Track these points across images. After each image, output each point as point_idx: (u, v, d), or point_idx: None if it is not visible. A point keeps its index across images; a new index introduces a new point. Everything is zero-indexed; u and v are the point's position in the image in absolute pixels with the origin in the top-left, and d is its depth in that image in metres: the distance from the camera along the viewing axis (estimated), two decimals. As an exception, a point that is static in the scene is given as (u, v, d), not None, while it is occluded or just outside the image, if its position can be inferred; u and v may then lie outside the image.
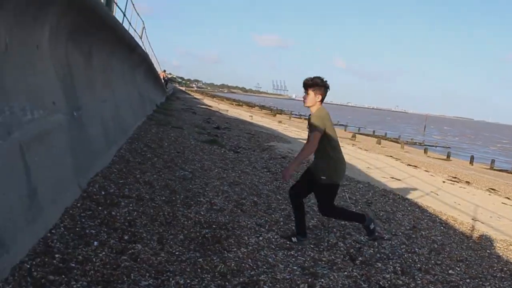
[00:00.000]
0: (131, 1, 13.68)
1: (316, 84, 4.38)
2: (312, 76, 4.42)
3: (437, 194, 9.26)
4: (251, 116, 31.54)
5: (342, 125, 46.07)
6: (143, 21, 18.28)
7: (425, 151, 27.82)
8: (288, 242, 4.37)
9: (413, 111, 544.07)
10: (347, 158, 14.54)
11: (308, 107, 4.48)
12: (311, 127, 4.34)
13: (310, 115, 4.49)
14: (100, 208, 4.28)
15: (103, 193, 4.79)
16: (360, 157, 15.07)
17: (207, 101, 53.41)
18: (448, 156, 26.67)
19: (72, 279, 2.80)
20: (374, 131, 41.97)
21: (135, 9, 15.08)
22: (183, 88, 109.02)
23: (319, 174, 4.37)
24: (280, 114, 52.43)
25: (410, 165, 15.29)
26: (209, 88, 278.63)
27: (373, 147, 22.75)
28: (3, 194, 2.88)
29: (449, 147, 35.65)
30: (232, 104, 61.96)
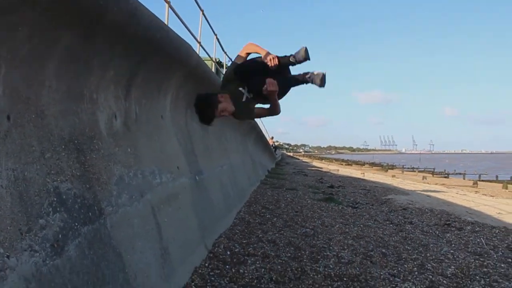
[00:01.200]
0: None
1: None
2: None
3: None
4: (363, 174, 30.71)
5: (460, 173, 42.90)
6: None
7: None
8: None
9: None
10: (472, 205, 13.31)
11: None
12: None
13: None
14: (227, 267, 4.27)
15: (228, 253, 4.80)
16: (487, 203, 13.74)
17: (316, 163, 53.34)
18: None
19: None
20: (497, 176, 38.32)
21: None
22: (291, 154, 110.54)
23: None
24: (392, 169, 50.41)
25: (548, 209, 13.58)
26: (316, 151, 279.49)
27: (500, 192, 20.64)
28: (140, 252, 2.98)
29: None
30: (342, 164, 61.10)
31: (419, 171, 46.77)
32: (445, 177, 40.16)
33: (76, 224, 2.29)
